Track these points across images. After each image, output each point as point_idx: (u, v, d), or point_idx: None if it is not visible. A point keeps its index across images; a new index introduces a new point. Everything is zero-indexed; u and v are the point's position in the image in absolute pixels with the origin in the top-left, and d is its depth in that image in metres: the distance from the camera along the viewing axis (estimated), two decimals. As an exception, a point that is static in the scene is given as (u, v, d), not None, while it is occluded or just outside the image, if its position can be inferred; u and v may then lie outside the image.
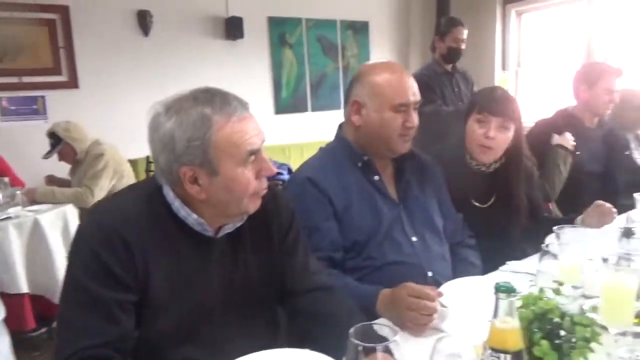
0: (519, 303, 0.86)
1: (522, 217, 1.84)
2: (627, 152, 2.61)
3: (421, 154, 1.65)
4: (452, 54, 3.44)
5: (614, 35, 4.87)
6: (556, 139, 2.41)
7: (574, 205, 2.18)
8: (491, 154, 1.76)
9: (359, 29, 5.66)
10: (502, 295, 0.71)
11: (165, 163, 0.98)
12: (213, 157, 0.96)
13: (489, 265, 1.60)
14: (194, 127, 0.95)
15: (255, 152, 1.00)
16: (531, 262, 1.49)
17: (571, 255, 1.07)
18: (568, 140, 2.39)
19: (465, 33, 3.43)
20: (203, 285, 1.06)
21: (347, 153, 1.50)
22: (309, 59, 5.36)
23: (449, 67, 3.48)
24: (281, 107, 5.24)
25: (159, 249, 1.00)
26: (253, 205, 1.06)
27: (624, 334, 0.98)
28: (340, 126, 1.56)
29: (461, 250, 1.62)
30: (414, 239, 1.48)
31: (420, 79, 3.28)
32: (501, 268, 1.54)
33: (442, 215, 1.59)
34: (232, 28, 4.74)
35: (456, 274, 1.50)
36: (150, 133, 0.99)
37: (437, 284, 1.38)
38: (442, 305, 1.25)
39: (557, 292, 0.87)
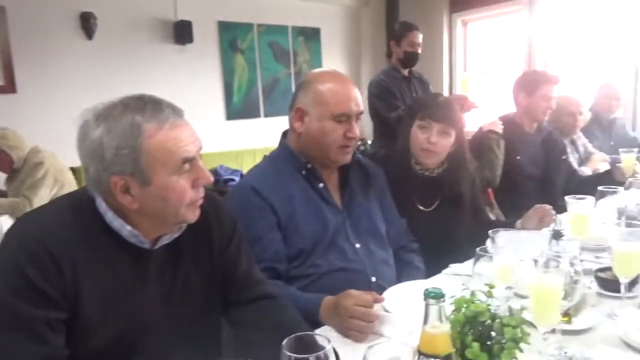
0: (452, 307, 0.88)
1: (466, 220, 1.90)
2: (564, 157, 2.75)
3: (365, 161, 1.67)
4: (410, 58, 3.45)
5: (553, 44, 5.13)
6: (486, 125, 2.52)
7: (514, 208, 2.28)
8: (434, 157, 1.81)
9: (311, 35, 5.69)
10: (431, 301, 0.73)
11: (94, 172, 0.94)
12: (145, 165, 0.93)
13: (435, 268, 1.63)
14: (123, 135, 0.91)
15: (191, 160, 0.97)
16: (480, 265, 1.54)
17: (504, 258, 1.11)
18: (497, 124, 2.51)
19: (420, 37, 3.46)
20: (140, 299, 1.03)
21: (291, 161, 1.49)
22: (260, 64, 5.33)
23: (406, 71, 3.50)
24: (233, 113, 5.18)
25: (90, 263, 0.96)
26: (192, 215, 1.03)
27: (553, 331, 1.03)
28: (284, 134, 1.56)
29: (405, 255, 1.65)
30: (357, 245, 1.49)
31: (380, 85, 3.35)
32: (444, 271, 1.58)
33: (385, 220, 1.62)
34: (181, 32, 4.65)
35: (400, 278, 1.52)
36: (79, 141, 0.95)
37: (381, 289, 1.40)
38: (386, 311, 1.27)
39: (488, 294, 0.90)
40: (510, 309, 0.91)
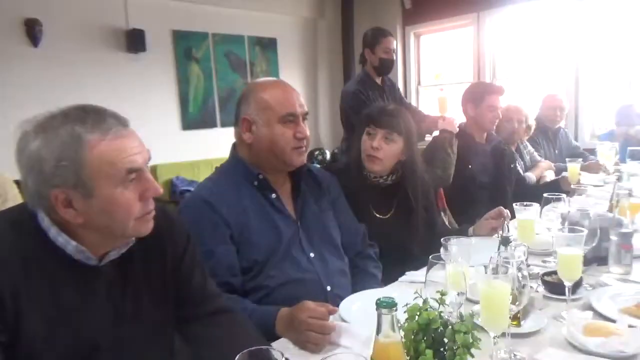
0: (405, 315, 0.89)
1: (420, 228, 1.94)
2: (512, 165, 2.86)
3: (316, 169, 1.68)
4: (385, 65, 3.31)
5: (500, 56, 5.35)
6: (440, 124, 2.58)
7: (467, 215, 2.35)
8: (378, 163, 1.84)
9: (268, 46, 5.70)
10: (384, 310, 0.73)
11: (34, 186, 0.90)
12: (87, 178, 0.89)
13: (392, 275, 1.65)
14: (63, 147, 0.87)
15: (136, 171, 0.94)
16: (434, 272, 1.56)
17: (455, 264, 1.14)
18: (452, 124, 2.56)
19: (394, 43, 3.34)
20: (88, 319, 0.98)
21: (242, 172, 1.48)
22: (216, 74, 5.29)
23: (379, 79, 3.37)
24: (189, 123, 5.10)
25: (31, 285, 0.91)
26: (144, 228, 1.00)
27: (503, 335, 1.06)
28: (234, 145, 1.55)
29: (361, 262, 1.65)
30: (311, 255, 1.49)
31: (357, 97, 3.17)
32: (400, 279, 1.60)
33: (339, 228, 1.62)
34: (134, 41, 4.55)
35: (356, 286, 1.53)
36: (17, 154, 0.91)
37: (337, 298, 1.40)
38: (343, 320, 1.27)
39: (440, 301, 0.92)
40: (460, 315, 0.92)
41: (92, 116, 0.91)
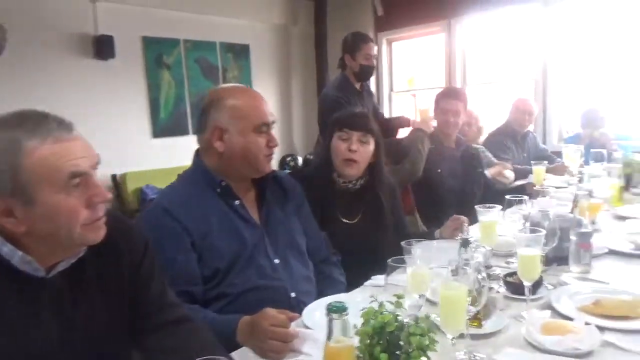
0: (361, 319, 0.88)
1: (388, 231, 1.95)
2: (480, 170, 2.90)
3: (281, 175, 1.67)
4: (366, 72, 3.27)
5: (471, 62, 5.45)
6: (416, 123, 2.64)
7: (436, 219, 2.36)
8: (356, 167, 1.87)
9: (240, 52, 5.67)
10: (334, 315, 0.72)
11: None
12: (26, 184, 0.86)
13: (361, 280, 1.64)
14: (0, 153, 0.85)
15: (80, 176, 0.90)
16: (395, 276, 1.57)
17: (416, 267, 1.14)
18: (427, 123, 2.62)
19: (375, 49, 3.32)
20: (35, 334, 0.94)
21: (205, 179, 1.46)
22: (188, 80, 5.23)
23: (358, 85, 3.32)
24: (160, 130, 5.03)
25: None
26: (93, 235, 0.96)
27: (462, 337, 1.06)
28: (197, 152, 1.53)
29: (325, 268, 1.65)
30: (276, 261, 1.48)
31: (337, 102, 3.08)
32: (365, 283, 1.59)
33: (305, 234, 1.62)
34: (102, 47, 4.47)
35: (321, 292, 1.52)
36: None
37: (302, 304, 1.39)
38: (306, 327, 1.26)
39: (397, 304, 0.91)
40: (416, 318, 0.92)
41: (32, 121, 0.88)
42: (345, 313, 0.72)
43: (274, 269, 1.46)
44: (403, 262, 1.18)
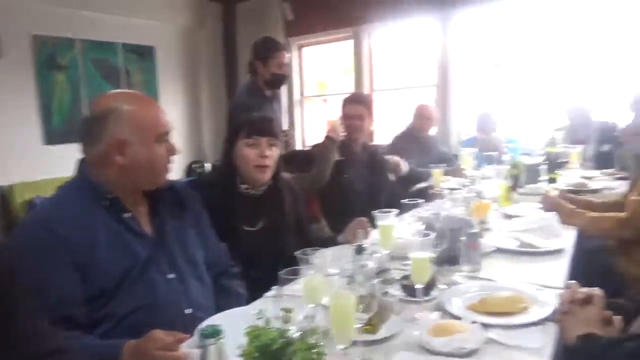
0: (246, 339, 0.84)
1: (292, 238, 1.93)
2: (386, 174, 2.98)
3: (178, 185, 1.59)
4: (277, 80, 3.19)
5: (377, 69, 5.64)
6: (328, 130, 2.66)
7: (344, 224, 2.38)
8: (268, 172, 1.87)
9: (144, 54, 5.40)
10: (209, 340, 0.68)
11: None
12: None
13: (264, 290, 1.60)
14: None
15: None
16: (293, 286, 1.55)
17: (310, 277, 1.13)
18: (335, 129, 2.64)
19: (288, 57, 3.24)
20: None
21: (91, 191, 1.34)
22: (85, 83, 4.87)
23: (269, 92, 3.22)
24: (53, 137, 4.63)
25: None
26: None
27: (354, 345, 1.06)
28: (82, 162, 1.40)
29: (225, 281, 1.60)
30: (171, 276, 1.39)
31: (248, 107, 2.96)
32: (266, 294, 1.55)
33: (203, 246, 1.55)
34: (-16, 46, 4.04)
35: (220, 305, 1.46)
36: None
37: (198, 320, 1.32)
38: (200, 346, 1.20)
39: (285, 319, 0.89)
40: (303, 331, 0.90)
41: None
42: (220, 337, 0.68)
43: (168, 285, 1.38)
44: (297, 272, 1.16)
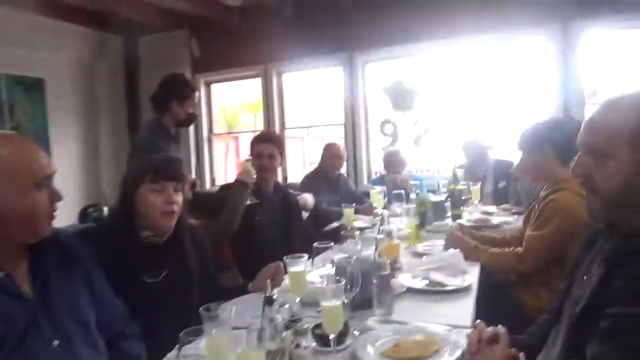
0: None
1: (197, 288, 1.79)
2: (299, 217, 2.92)
3: (65, 237, 1.41)
4: (191, 120, 3.15)
5: (289, 107, 5.69)
6: (239, 173, 2.57)
7: (257, 269, 2.25)
8: (175, 217, 1.74)
9: (32, 87, 4.96)
10: None
11: None
12: None
13: (169, 347, 1.44)
14: None
15: None
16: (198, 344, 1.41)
17: (211, 337, 1.02)
18: (247, 173, 2.54)
19: (197, 96, 3.19)
20: None
21: None
22: (-40, 117, 4.35)
23: (174, 131, 3.11)
24: None
25: None
26: None
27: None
28: None
29: (122, 344, 1.43)
30: (55, 342, 1.23)
31: (155, 146, 2.78)
32: (169, 354, 1.40)
33: (94, 306, 1.37)
34: None
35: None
36: None
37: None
38: None
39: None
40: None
41: None
42: None
43: (52, 353, 1.21)
44: (200, 332, 1.04)
